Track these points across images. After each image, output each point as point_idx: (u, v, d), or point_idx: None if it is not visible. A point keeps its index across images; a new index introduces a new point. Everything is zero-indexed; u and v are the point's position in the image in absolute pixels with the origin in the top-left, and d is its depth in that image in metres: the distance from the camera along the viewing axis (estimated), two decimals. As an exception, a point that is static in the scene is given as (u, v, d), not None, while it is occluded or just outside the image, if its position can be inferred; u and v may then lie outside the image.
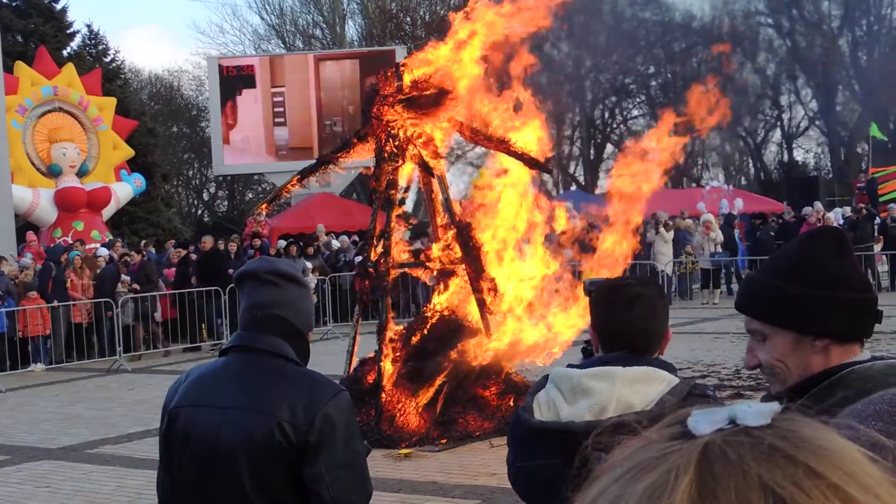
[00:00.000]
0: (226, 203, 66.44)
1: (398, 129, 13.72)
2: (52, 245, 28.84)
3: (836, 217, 32.01)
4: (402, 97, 13.65)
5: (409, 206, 15.83)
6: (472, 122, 14.27)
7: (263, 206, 16.03)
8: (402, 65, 14.27)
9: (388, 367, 13.24)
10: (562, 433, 3.33)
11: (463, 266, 13.75)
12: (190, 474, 3.87)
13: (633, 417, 2.83)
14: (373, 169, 14.39)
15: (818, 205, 32.30)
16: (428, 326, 13.74)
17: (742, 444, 1.09)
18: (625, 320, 3.55)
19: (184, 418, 3.89)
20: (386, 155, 13.75)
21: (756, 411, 1.14)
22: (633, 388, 3.35)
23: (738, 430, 1.12)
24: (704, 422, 1.14)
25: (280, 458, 3.72)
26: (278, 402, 3.75)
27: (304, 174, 14.87)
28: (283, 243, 29.34)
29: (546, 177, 14.46)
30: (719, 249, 29.80)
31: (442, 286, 14.32)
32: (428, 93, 13.66)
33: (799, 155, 66.63)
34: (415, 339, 13.61)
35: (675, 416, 1.19)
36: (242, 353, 3.96)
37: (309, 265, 27.00)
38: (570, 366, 3.64)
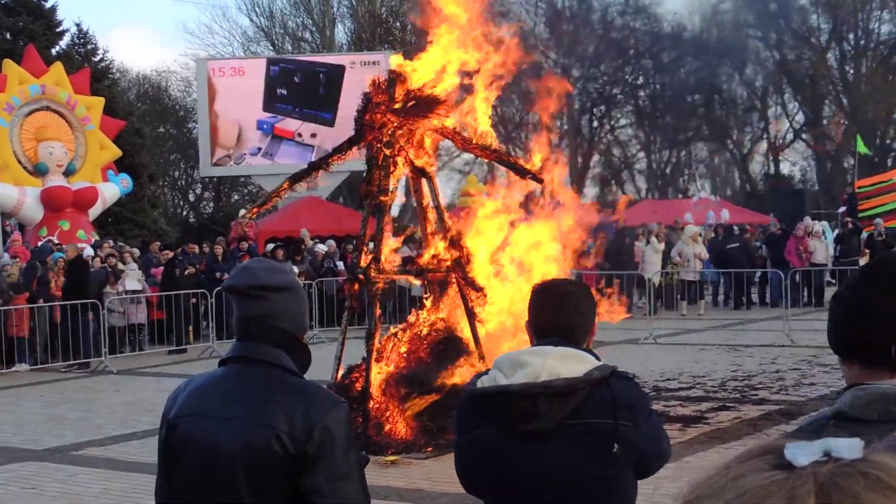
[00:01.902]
0: (211, 204, 66.33)
1: (390, 135, 13.72)
2: (38, 244, 28.72)
3: (822, 228, 32.17)
4: (395, 105, 13.66)
5: (394, 212, 15.95)
6: (463, 129, 14.30)
7: (253, 212, 15.93)
8: (395, 72, 14.27)
9: (375, 374, 13.24)
10: (499, 395, 3.79)
11: (453, 274, 13.77)
12: (189, 484, 3.88)
13: (562, 382, 3.41)
14: (364, 174, 14.41)
15: (807, 219, 32.41)
16: (417, 334, 13.75)
17: (851, 476, 1.22)
18: (554, 315, 4.08)
19: (183, 428, 3.90)
20: (378, 161, 13.76)
21: (849, 445, 1.26)
22: (562, 363, 3.77)
23: (844, 464, 1.24)
24: (801, 454, 1.26)
25: (278, 469, 3.72)
26: (277, 414, 3.75)
27: (294, 179, 14.87)
28: (271, 247, 29.35)
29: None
30: (699, 266, 29.86)
31: (432, 293, 14.34)
32: (420, 100, 13.68)
33: (785, 167, 66.97)
34: (403, 347, 13.61)
35: (765, 446, 1.32)
36: (241, 363, 3.96)
37: (295, 269, 26.98)
38: None
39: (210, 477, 3.79)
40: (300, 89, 43.06)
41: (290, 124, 42.88)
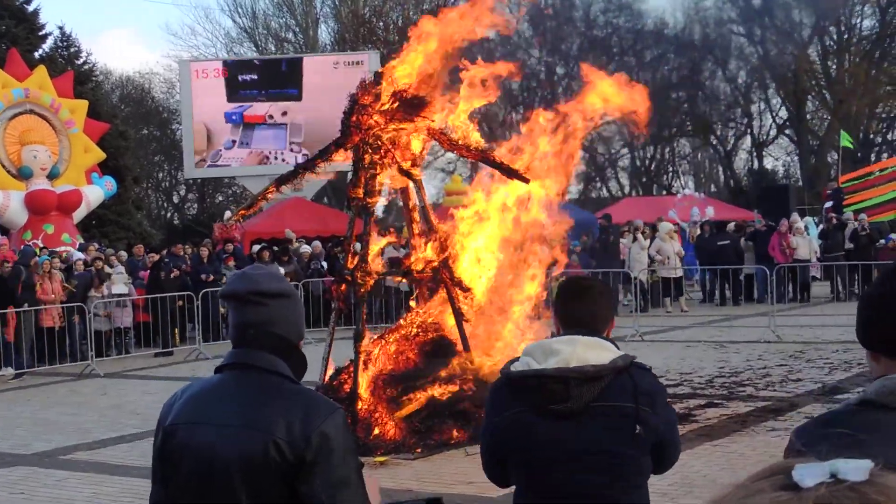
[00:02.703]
0: (196, 206, 66.25)
1: (377, 137, 13.72)
2: (21, 248, 28.66)
3: (806, 224, 32.23)
4: (381, 107, 13.66)
5: (378, 212, 16.10)
6: (450, 130, 14.31)
7: (239, 214, 15.90)
8: (381, 73, 14.29)
9: (364, 375, 13.25)
10: (535, 378, 4.24)
11: (440, 274, 13.79)
12: (186, 490, 3.87)
13: (591, 369, 4.18)
14: (350, 177, 14.41)
15: (794, 216, 32.43)
16: (406, 335, 13.77)
17: (851, 499, 1.25)
18: (578, 306, 4.53)
19: (180, 435, 3.89)
20: (365, 163, 13.76)
21: (855, 467, 1.29)
22: (589, 351, 4.25)
23: (845, 486, 1.27)
24: (808, 475, 1.30)
25: (276, 475, 3.72)
26: (274, 420, 3.74)
27: (281, 181, 14.85)
28: (257, 248, 29.32)
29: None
30: (677, 263, 29.85)
31: (420, 294, 14.36)
32: (406, 102, 13.68)
33: (768, 163, 67.09)
34: (392, 348, 13.63)
35: (777, 467, 1.35)
36: (237, 370, 3.95)
37: (282, 269, 26.97)
38: None
39: (207, 482, 3.79)
40: (261, 70, 43.83)
41: (259, 108, 43.09)
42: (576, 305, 4.55)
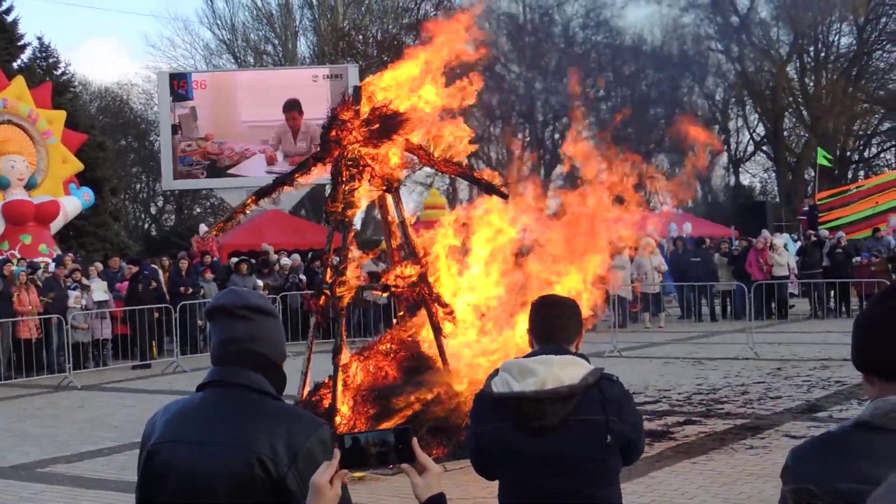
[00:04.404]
0: (173, 217, 66.11)
1: (356, 152, 13.70)
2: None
3: (784, 241, 32.32)
4: (361, 122, 13.65)
5: (356, 225, 16.09)
6: (429, 145, 14.30)
7: (218, 227, 15.88)
8: (361, 87, 14.28)
9: (342, 390, 13.21)
10: (515, 399, 4.59)
11: (419, 290, 13.76)
12: (171, 510, 3.84)
13: (565, 390, 4.59)
14: (329, 191, 14.39)
15: (765, 232, 32.43)
16: (385, 350, 13.74)
17: None
18: (550, 323, 4.90)
19: (163, 454, 3.86)
20: (344, 178, 13.73)
21: None
22: (564, 370, 4.60)
23: None
24: None
25: (261, 492, 3.69)
26: (258, 437, 3.72)
27: (259, 194, 14.83)
28: (234, 260, 29.23)
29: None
30: (658, 278, 29.86)
31: (400, 309, 14.34)
32: (386, 117, 13.67)
33: (745, 179, 67.32)
34: (371, 363, 13.59)
35: None
36: (219, 387, 3.93)
37: (260, 283, 26.95)
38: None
39: (192, 500, 3.77)
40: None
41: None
42: (547, 322, 4.92)
